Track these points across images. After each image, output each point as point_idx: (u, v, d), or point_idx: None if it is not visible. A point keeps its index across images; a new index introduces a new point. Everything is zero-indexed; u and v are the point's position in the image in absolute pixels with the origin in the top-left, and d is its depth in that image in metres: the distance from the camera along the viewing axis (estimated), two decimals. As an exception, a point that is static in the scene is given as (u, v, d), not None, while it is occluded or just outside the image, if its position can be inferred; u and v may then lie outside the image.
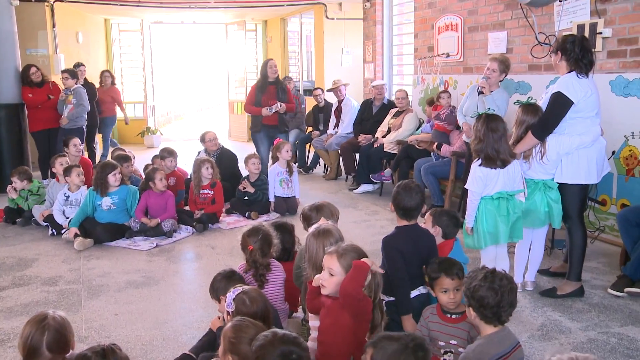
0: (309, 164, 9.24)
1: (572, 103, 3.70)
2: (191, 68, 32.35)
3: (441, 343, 2.69)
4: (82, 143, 7.88)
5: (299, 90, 10.51)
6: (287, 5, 11.03)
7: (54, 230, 5.66)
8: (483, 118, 3.71)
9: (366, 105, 8.25)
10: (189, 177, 6.79)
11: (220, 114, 21.29)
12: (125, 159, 6.36)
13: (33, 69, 7.63)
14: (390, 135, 7.34)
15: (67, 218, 5.62)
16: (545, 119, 3.78)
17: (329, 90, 8.94)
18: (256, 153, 6.88)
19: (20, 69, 7.77)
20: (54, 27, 10.05)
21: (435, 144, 6.37)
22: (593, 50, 4.00)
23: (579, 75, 3.77)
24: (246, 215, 6.25)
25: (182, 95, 27.73)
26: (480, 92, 5.25)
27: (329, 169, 8.72)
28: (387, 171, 7.18)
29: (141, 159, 8.25)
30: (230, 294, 2.55)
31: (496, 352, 2.24)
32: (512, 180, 3.71)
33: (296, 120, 9.33)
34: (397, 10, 9.01)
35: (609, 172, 4.84)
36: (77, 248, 5.21)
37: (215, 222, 6.01)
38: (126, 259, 5.00)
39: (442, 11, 7.30)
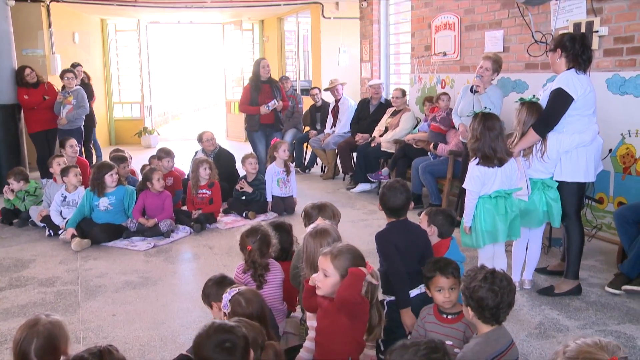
0: (306, 163, 9.24)
1: (573, 99, 3.70)
2: (188, 68, 32.34)
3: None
4: (80, 143, 7.90)
5: (296, 90, 10.51)
6: (284, 4, 11.02)
7: (51, 231, 5.65)
8: (479, 117, 3.71)
9: (363, 104, 8.25)
10: (186, 177, 6.78)
11: (218, 114, 21.28)
12: (122, 159, 6.36)
13: (27, 70, 7.59)
14: (388, 135, 7.34)
15: (65, 219, 5.61)
16: (547, 115, 3.78)
17: (326, 90, 8.94)
18: (253, 153, 6.87)
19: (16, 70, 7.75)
20: (50, 27, 10.02)
21: (432, 143, 6.38)
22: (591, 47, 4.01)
23: (577, 72, 3.78)
24: (244, 215, 6.24)
25: (179, 95, 27.71)
26: (475, 91, 5.26)
27: (326, 168, 8.72)
28: (385, 170, 7.18)
29: (138, 160, 8.24)
30: (227, 295, 2.55)
31: (493, 351, 2.24)
32: (509, 179, 3.71)
33: (293, 120, 9.33)
34: (393, 9, 9.02)
35: (605, 170, 4.87)
36: (75, 249, 5.20)
37: (213, 222, 6.01)
38: (124, 259, 4.99)
39: (439, 10, 7.30)
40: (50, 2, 9.94)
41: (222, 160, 6.89)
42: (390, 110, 7.67)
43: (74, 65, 8.90)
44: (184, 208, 6.19)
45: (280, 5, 11.02)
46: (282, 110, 7.43)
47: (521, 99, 3.96)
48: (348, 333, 2.49)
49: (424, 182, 6.27)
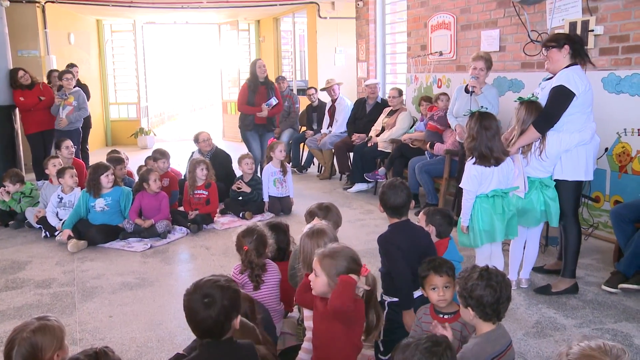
0: (303, 163, 9.23)
1: (575, 95, 3.68)
2: (184, 68, 32.30)
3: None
4: (78, 144, 7.89)
5: (292, 90, 10.51)
6: (280, 4, 11.01)
7: (47, 233, 5.64)
8: (476, 116, 3.71)
9: (360, 104, 8.25)
10: (182, 177, 6.77)
11: (214, 114, 21.25)
12: (119, 161, 6.34)
13: (21, 73, 7.55)
14: (384, 134, 7.34)
15: (61, 220, 5.59)
16: (548, 112, 3.76)
17: (322, 90, 8.94)
18: (249, 153, 6.87)
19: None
20: (45, 28, 9.99)
21: (429, 143, 6.38)
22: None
23: (582, 67, 3.78)
24: (240, 215, 6.23)
25: (175, 96, 27.68)
26: (472, 92, 5.26)
27: (323, 168, 8.71)
28: (381, 170, 7.19)
29: (135, 160, 8.23)
30: None
31: (492, 351, 2.24)
32: (506, 178, 3.72)
33: (290, 120, 9.33)
34: (389, 9, 9.01)
35: (602, 169, 4.88)
36: (71, 250, 5.18)
37: (210, 223, 6.00)
38: (120, 260, 4.98)
39: (435, 9, 7.31)
40: (45, 3, 9.92)
41: (218, 160, 6.88)
42: (386, 110, 7.67)
43: (70, 66, 8.89)
44: (181, 209, 6.18)
45: (276, 5, 11.02)
46: (278, 109, 7.48)
47: (520, 98, 3.94)
48: (344, 338, 2.48)
49: (420, 181, 6.27)
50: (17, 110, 7.69)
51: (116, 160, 6.31)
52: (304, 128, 9.44)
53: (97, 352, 2.00)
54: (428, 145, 6.38)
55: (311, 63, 11.50)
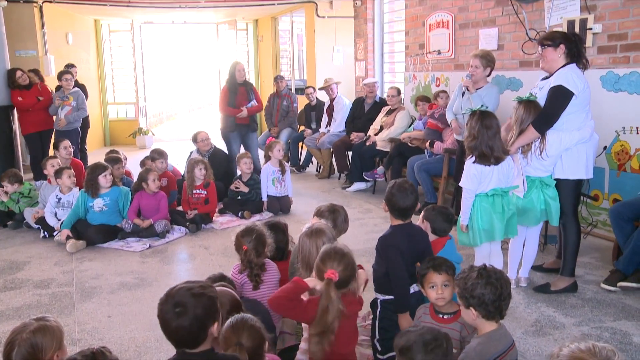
0: (301, 162, 9.23)
1: (573, 94, 3.68)
2: (182, 68, 32.29)
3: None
4: (77, 144, 7.89)
5: (290, 89, 10.50)
6: (278, 4, 11.01)
7: (45, 233, 5.63)
8: (477, 115, 3.69)
9: (358, 103, 8.24)
10: (181, 177, 6.76)
11: (212, 114, 21.23)
12: (116, 160, 6.33)
13: (19, 73, 7.54)
14: (383, 133, 7.34)
15: (59, 220, 5.58)
16: (547, 112, 3.75)
17: (320, 89, 8.93)
18: (248, 152, 6.87)
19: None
20: (43, 28, 9.98)
21: (428, 141, 6.38)
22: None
23: (578, 66, 3.78)
24: (239, 215, 6.23)
25: (173, 96, 27.66)
26: (464, 92, 5.25)
27: (321, 167, 8.71)
28: (380, 169, 7.19)
29: (133, 160, 8.22)
30: None
31: (495, 351, 2.24)
32: (506, 177, 3.71)
33: (288, 119, 9.32)
34: (387, 7, 9.01)
35: (600, 167, 4.88)
36: (70, 250, 5.18)
37: (208, 222, 5.99)
38: (119, 260, 4.97)
39: (433, 8, 7.30)
40: (43, 3, 9.90)
41: (217, 160, 6.88)
42: (385, 109, 7.67)
43: (68, 66, 8.88)
44: (179, 208, 6.18)
45: (274, 4, 11.01)
46: (257, 108, 7.62)
47: (519, 97, 3.91)
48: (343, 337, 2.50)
49: (419, 180, 6.27)
50: (15, 111, 7.68)
51: (114, 159, 6.31)
52: (302, 127, 9.43)
53: (94, 352, 1.99)
54: (428, 143, 6.38)
55: (309, 62, 11.49)
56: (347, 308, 2.47)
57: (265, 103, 9.84)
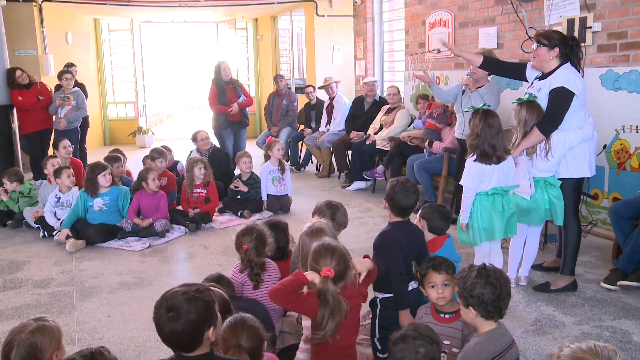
0: (301, 161, 9.22)
1: (574, 95, 3.68)
2: (182, 67, 32.24)
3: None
4: (76, 144, 7.89)
5: (290, 88, 10.50)
6: (278, 3, 10.99)
7: (45, 232, 5.62)
8: (480, 113, 3.67)
9: (358, 102, 8.24)
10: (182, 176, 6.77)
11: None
12: (115, 159, 6.33)
13: (18, 72, 7.53)
14: (382, 132, 7.34)
15: (59, 219, 5.58)
16: (552, 114, 3.73)
17: (320, 88, 8.92)
18: (247, 152, 6.86)
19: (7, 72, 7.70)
20: (42, 27, 9.97)
21: (427, 141, 6.37)
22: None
23: (573, 65, 3.78)
24: (239, 214, 6.23)
25: (173, 95, 27.63)
26: (463, 90, 5.24)
27: (321, 166, 8.70)
28: (380, 168, 7.18)
29: (133, 160, 8.22)
30: None
31: (494, 350, 2.24)
32: (506, 176, 3.71)
33: (288, 118, 9.32)
34: (387, 6, 9.01)
35: (600, 166, 4.87)
36: (69, 250, 5.17)
37: (208, 222, 5.99)
38: (119, 260, 4.97)
39: (433, 7, 7.30)
40: (42, 2, 9.88)
41: (216, 159, 6.87)
42: (385, 108, 7.67)
43: (68, 66, 8.87)
44: (179, 207, 6.17)
45: (274, 3, 10.99)
46: (247, 103, 7.90)
47: (519, 99, 3.87)
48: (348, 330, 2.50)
49: (419, 179, 6.27)
50: (14, 110, 7.68)
51: (113, 158, 6.30)
52: (302, 126, 9.43)
53: (93, 352, 1.98)
54: (427, 143, 6.37)
55: (309, 61, 11.48)
56: (349, 301, 2.47)
57: (264, 102, 9.88)
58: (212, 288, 2.32)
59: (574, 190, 3.90)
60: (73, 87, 7.98)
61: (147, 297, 4.11)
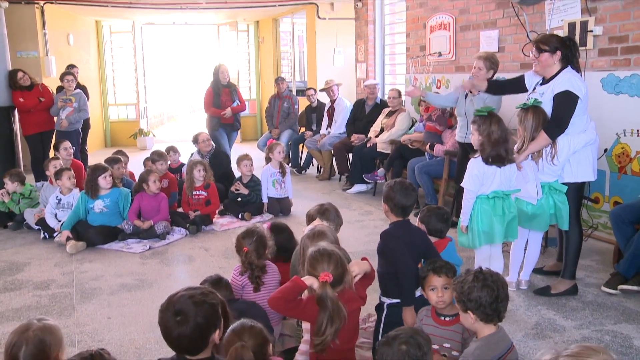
0: (302, 164, 9.22)
1: (579, 98, 3.69)
2: (183, 69, 32.29)
3: (435, 346, 2.67)
4: (78, 145, 7.89)
5: (291, 91, 10.50)
6: (279, 5, 11.00)
7: (46, 234, 5.63)
8: (495, 118, 3.68)
9: (359, 105, 8.24)
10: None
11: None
12: (116, 160, 6.33)
13: (20, 74, 7.54)
14: (383, 135, 7.34)
15: (60, 221, 5.58)
16: (558, 118, 3.73)
17: (321, 91, 8.93)
18: (248, 154, 6.87)
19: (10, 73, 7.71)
20: (44, 28, 9.99)
21: (428, 144, 6.37)
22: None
23: (572, 68, 3.78)
24: (239, 216, 6.23)
25: (174, 97, 27.66)
26: (467, 94, 5.24)
27: (322, 169, 8.70)
28: (380, 171, 7.18)
29: (134, 161, 8.22)
30: None
31: (493, 354, 2.24)
32: (508, 180, 3.70)
33: (289, 121, 9.33)
34: (388, 9, 9.01)
35: (601, 170, 4.87)
36: (70, 251, 5.17)
37: (209, 224, 5.99)
38: (119, 261, 4.97)
39: (434, 10, 7.30)
40: (44, 4, 9.91)
41: (217, 161, 6.88)
42: (385, 111, 7.67)
43: (70, 67, 8.88)
44: (180, 210, 6.17)
45: (275, 6, 11.01)
46: (240, 108, 8.14)
47: (523, 104, 3.85)
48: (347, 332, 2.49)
49: (420, 182, 6.26)
50: (15, 111, 7.69)
51: (113, 160, 6.31)
52: (303, 129, 9.43)
53: (93, 354, 1.98)
54: (427, 146, 6.37)
55: (310, 64, 11.49)
56: (347, 305, 2.46)
57: (265, 105, 9.89)
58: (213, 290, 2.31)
59: (576, 194, 3.90)
60: (75, 89, 7.99)
61: (148, 299, 4.11)
